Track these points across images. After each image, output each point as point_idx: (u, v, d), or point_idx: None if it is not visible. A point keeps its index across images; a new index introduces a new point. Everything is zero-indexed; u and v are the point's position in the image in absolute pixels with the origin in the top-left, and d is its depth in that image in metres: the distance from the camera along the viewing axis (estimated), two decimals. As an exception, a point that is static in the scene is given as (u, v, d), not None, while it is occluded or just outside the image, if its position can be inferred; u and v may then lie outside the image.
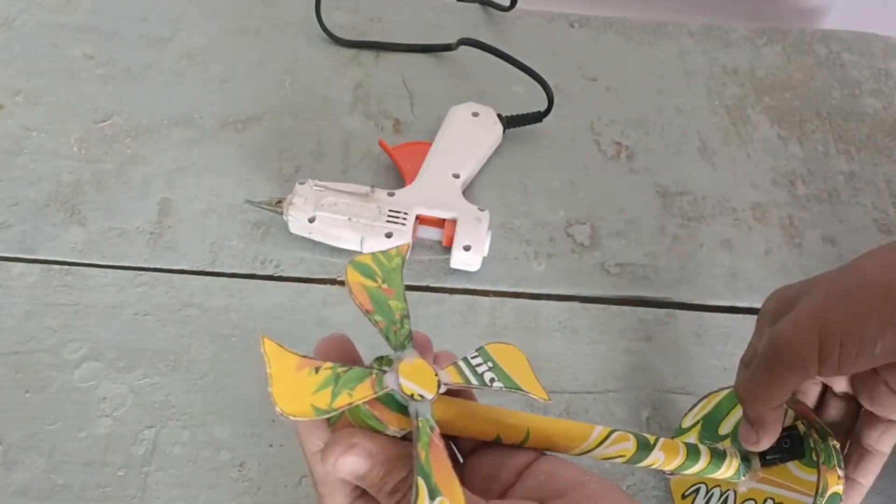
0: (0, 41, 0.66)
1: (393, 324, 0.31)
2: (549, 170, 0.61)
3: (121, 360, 0.50)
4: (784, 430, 0.41)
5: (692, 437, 0.45)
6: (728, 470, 0.40)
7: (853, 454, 0.43)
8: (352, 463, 0.29)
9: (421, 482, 0.28)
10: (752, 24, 0.73)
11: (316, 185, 0.54)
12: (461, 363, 0.32)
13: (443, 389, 0.31)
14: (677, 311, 0.55)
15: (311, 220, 0.53)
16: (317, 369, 0.28)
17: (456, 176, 0.57)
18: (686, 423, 0.46)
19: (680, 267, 0.57)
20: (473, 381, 0.32)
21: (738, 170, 0.62)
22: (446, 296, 0.54)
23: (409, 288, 0.54)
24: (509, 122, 0.61)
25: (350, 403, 0.28)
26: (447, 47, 0.67)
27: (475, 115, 0.60)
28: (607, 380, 0.51)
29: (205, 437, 0.48)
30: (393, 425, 0.30)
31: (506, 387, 0.32)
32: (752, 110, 0.67)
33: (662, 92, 0.67)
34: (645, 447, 0.37)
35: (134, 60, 0.66)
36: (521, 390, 0.33)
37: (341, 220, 0.53)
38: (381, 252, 0.32)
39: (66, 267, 0.54)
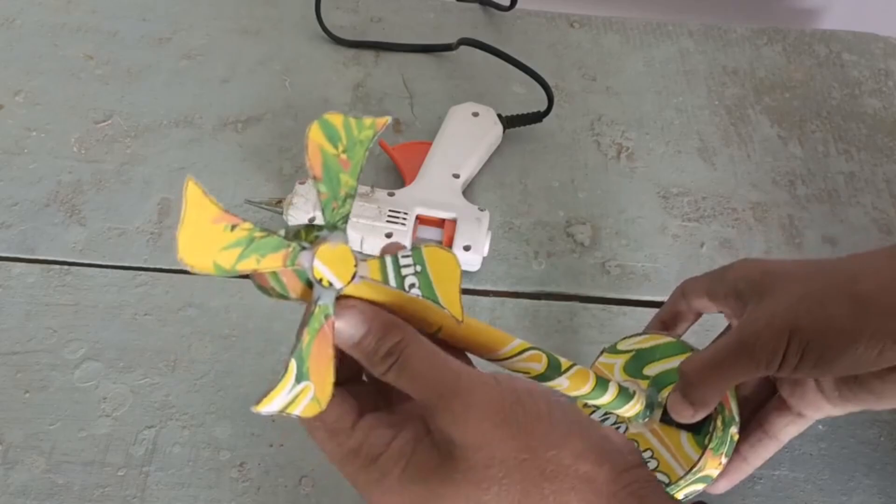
0: (0, 41, 0.66)
1: (335, 199, 0.30)
2: (549, 170, 0.61)
3: (121, 360, 0.50)
4: None
5: (619, 362, 0.44)
6: (629, 410, 0.40)
7: (752, 435, 0.43)
8: (348, 326, 0.30)
9: (293, 364, 0.28)
10: (752, 24, 0.73)
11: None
12: (388, 260, 0.31)
13: (356, 281, 0.30)
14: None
15: (312, 220, 0.53)
16: (233, 227, 0.27)
17: (456, 176, 0.57)
18: (621, 347, 0.45)
19: (680, 267, 0.57)
20: (392, 281, 0.31)
21: (738, 170, 0.62)
22: (446, 296, 0.54)
23: (409, 288, 0.54)
24: (509, 122, 0.61)
25: (255, 270, 0.27)
26: (447, 47, 0.67)
27: (475, 115, 0.60)
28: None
29: (205, 437, 0.47)
30: (296, 294, 0.29)
31: (423, 295, 0.31)
32: (752, 110, 0.67)
33: (662, 92, 0.67)
34: (555, 370, 0.37)
35: (134, 60, 0.66)
36: (438, 303, 0.31)
37: (341, 220, 0.53)
38: (356, 119, 0.29)
39: (66, 267, 0.54)
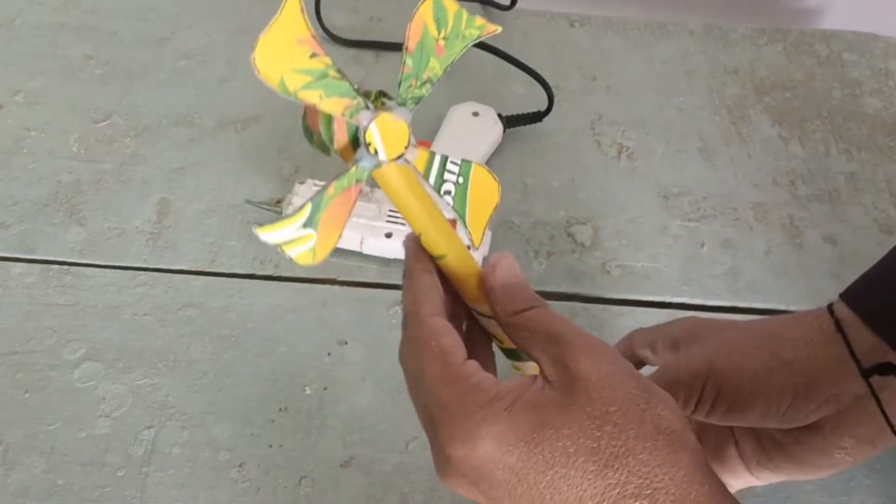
0: (0, 41, 0.66)
1: (416, 77, 0.29)
2: (549, 170, 0.61)
3: (120, 360, 0.50)
4: None
5: None
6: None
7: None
8: (507, 268, 0.32)
9: (308, 207, 0.28)
10: (753, 24, 0.73)
11: (316, 185, 0.54)
12: (438, 158, 0.31)
13: (400, 162, 0.29)
14: (677, 311, 0.54)
15: (311, 220, 0.53)
16: (314, 55, 0.27)
17: (456, 176, 0.57)
18: None
19: (680, 267, 0.57)
20: (432, 179, 0.30)
21: (738, 170, 0.62)
22: (446, 296, 0.54)
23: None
24: (509, 122, 0.61)
25: (313, 105, 0.27)
26: (447, 47, 0.67)
27: (475, 114, 0.60)
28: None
29: (204, 438, 0.47)
30: (338, 147, 0.29)
31: (454, 206, 0.31)
32: (753, 110, 0.66)
33: (662, 92, 0.67)
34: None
35: (134, 60, 0.66)
36: (463, 221, 0.31)
37: (341, 220, 0.53)
38: (469, 14, 0.30)
39: (66, 267, 0.54)
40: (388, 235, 0.53)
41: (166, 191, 0.58)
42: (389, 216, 0.53)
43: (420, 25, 0.29)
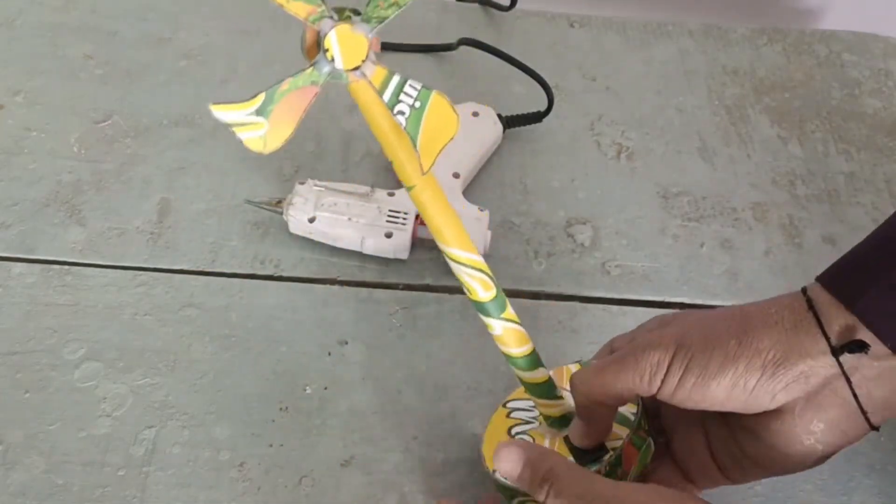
0: (0, 41, 0.66)
1: (385, 0, 0.31)
2: (549, 170, 0.61)
3: (120, 360, 0.50)
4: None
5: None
6: (548, 408, 0.41)
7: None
8: (508, 463, 0.37)
9: (262, 96, 0.31)
10: (752, 24, 0.73)
11: (316, 185, 0.54)
12: (396, 78, 0.32)
13: (356, 75, 0.31)
14: (678, 312, 0.54)
15: (311, 221, 0.53)
16: None
17: (456, 176, 0.57)
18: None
19: (680, 267, 0.57)
20: (386, 98, 0.32)
21: (738, 170, 0.62)
22: (446, 295, 0.54)
23: (409, 287, 0.54)
24: (509, 122, 0.61)
25: (281, 5, 0.30)
26: (447, 47, 0.67)
27: (475, 115, 0.60)
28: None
29: (205, 437, 0.47)
30: (306, 47, 0.31)
31: (405, 128, 0.33)
32: (752, 110, 0.67)
33: (662, 92, 0.67)
34: (496, 307, 0.38)
35: (134, 60, 0.66)
36: (414, 142, 0.33)
37: (341, 220, 0.53)
38: None
39: (66, 267, 0.54)
40: (388, 235, 0.53)
41: (166, 191, 0.58)
42: (389, 216, 0.53)
43: None
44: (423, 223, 0.55)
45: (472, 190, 0.59)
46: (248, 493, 0.46)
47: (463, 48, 0.67)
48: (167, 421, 0.48)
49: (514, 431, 0.44)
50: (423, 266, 0.55)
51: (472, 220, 0.54)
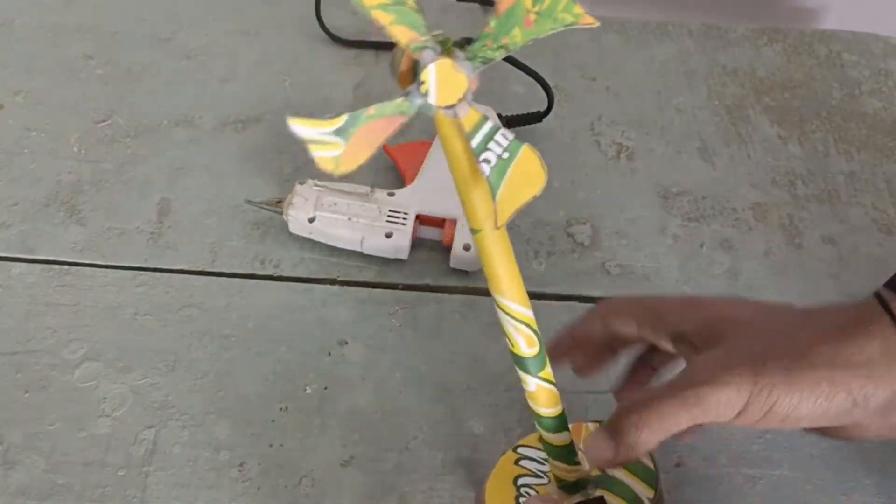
0: (0, 41, 0.66)
1: (493, 39, 0.29)
2: (549, 170, 0.61)
3: (121, 360, 0.50)
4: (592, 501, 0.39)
5: None
6: (566, 472, 0.39)
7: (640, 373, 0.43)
8: None
9: (345, 117, 0.30)
10: (752, 24, 0.73)
11: (316, 185, 0.54)
12: (489, 125, 0.30)
13: (449, 113, 0.30)
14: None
15: (311, 220, 0.53)
16: None
17: (456, 176, 0.57)
18: None
19: (680, 267, 0.57)
20: (475, 143, 0.31)
21: (738, 170, 0.62)
22: (446, 295, 0.54)
23: (409, 287, 0.54)
24: (509, 122, 0.61)
25: (384, 28, 0.28)
26: (447, 47, 0.67)
27: (475, 115, 0.60)
28: (607, 380, 0.51)
29: (205, 437, 0.48)
30: (401, 72, 0.29)
31: (489, 177, 0.31)
32: (752, 110, 0.67)
33: (662, 92, 0.67)
34: (535, 365, 0.36)
35: (134, 60, 0.66)
36: (494, 192, 0.31)
37: (341, 220, 0.53)
38: (571, 0, 0.30)
39: (66, 267, 0.54)
40: (388, 235, 0.53)
41: (167, 191, 0.58)
42: (389, 216, 0.53)
43: None
44: (423, 223, 0.55)
45: (472, 190, 0.59)
46: (248, 493, 0.46)
47: (463, 48, 0.66)
48: (167, 421, 0.48)
49: (520, 483, 0.42)
50: (423, 266, 0.55)
51: (472, 220, 0.54)
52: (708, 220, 0.59)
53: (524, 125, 0.62)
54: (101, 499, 0.45)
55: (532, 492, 0.41)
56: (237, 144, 0.61)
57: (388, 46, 0.68)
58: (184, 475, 0.46)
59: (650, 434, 0.34)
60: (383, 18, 0.28)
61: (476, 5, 0.72)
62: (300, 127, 0.29)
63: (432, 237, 0.56)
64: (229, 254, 0.55)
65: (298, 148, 0.63)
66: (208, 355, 0.51)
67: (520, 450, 0.43)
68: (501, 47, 0.29)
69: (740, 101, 0.67)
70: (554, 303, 0.54)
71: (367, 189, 0.55)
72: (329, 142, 0.30)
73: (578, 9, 0.29)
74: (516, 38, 0.29)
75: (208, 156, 0.60)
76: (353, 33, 0.69)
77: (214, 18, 0.69)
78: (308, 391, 0.50)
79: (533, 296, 0.54)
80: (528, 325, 0.36)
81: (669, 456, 0.47)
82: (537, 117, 0.62)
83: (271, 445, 0.48)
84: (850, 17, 0.78)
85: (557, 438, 0.39)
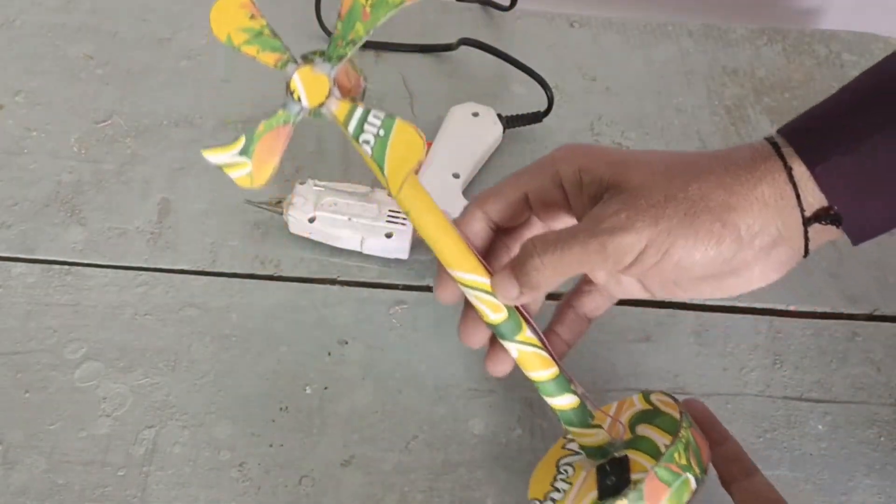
0: (0, 41, 0.66)
1: (342, 39, 0.33)
2: (549, 170, 0.61)
3: (121, 360, 0.50)
4: (616, 460, 0.39)
5: (637, 408, 0.43)
6: (584, 437, 0.40)
7: (565, 315, 0.44)
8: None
9: (243, 138, 0.35)
10: (752, 24, 0.73)
11: (316, 185, 0.54)
12: (359, 110, 0.34)
13: (323, 109, 0.34)
14: (677, 311, 0.55)
15: (311, 221, 0.53)
16: (252, 16, 0.34)
17: (456, 176, 0.57)
18: (652, 398, 0.43)
19: (680, 267, 0.57)
20: (351, 129, 0.34)
21: (738, 170, 0.62)
22: (446, 296, 0.54)
23: (409, 288, 0.54)
24: (509, 122, 0.61)
25: (253, 57, 0.34)
26: (447, 47, 0.67)
27: (475, 115, 0.60)
28: (607, 379, 0.51)
29: (205, 437, 0.48)
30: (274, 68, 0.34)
31: (372, 156, 0.34)
32: (752, 110, 0.67)
33: (662, 92, 0.67)
34: (510, 330, 0.38)
35: (134, 60, 0.66)
36: (382, 169, 0.35)
37: (341, 220, 0.53)
38: None
39: (66, 267, 0.54)
40: (388, 235, 0.53)
41: (167, 191, 0.58)
42: (389, 216, 0.53)
43: None
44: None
45: (472, 190, 0.59)
46: (248, 493, 0.46)
47: (463, 48, 0.67)
48: (167, 421, 0.48)
49: (560, 463, 0.43)
50: (423, 266, 0.55)
51: (472, 220, 0.54)
52: (708, 220, 0.59)
53: (524, 125, 0.62)
54: (101, 499, 0.45)
55: (570, 469, 0.41)
56: (237, 144, 0.61)
57: (388, 47, 0.68)
58: (184, 475, 0.46)
59: (552, 275, 0.36)
60: (251, 50, 0.34)
61: (476, 5, 0.72)
62: (212, 155, 0.35)
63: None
64: (229, 254, 0.55)
65: (299, 148, 0.64)
66: (208, 355, 0.51)
67: (569, 436, 0.44)
68: (350, 43, 0.33)
69: (740, 101, 0.67)
70: (554, 303, 0.54)
71: (367, 189, 0.55)
72: (238, 162, 0.36)
73: None
74: (359, 31, 0.33)
75: (208, 156, 0.60)
76: (353, 33, 0.69)
77: (214, 18, 0.69)
78: (308, 391, 0.50)
79: (533, 296, 0.55)
80: (485, 292, 0.38)
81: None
82: (537, 117, 0.62)
83: (271, 445, 0.48)
84: (850, 17, 0.78)
85: (560, 402, 0.40)
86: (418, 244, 0.55)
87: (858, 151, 0.34)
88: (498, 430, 0.49)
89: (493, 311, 0.38)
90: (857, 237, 0.36)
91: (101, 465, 0.46)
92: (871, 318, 0.55)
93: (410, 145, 0.34)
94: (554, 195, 0.39)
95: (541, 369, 0.39)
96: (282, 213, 0.54)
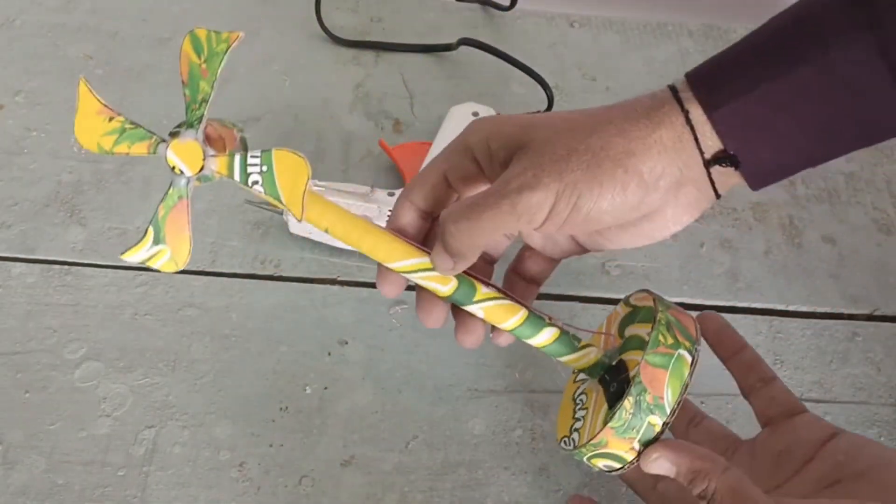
0: (0, 41, 0.66)
1: (194, 102, 0.35)
2: (549, 170, 0.61)
3: (121, 360, 0.50)
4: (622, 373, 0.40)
5: (621, 315, 0.43)
6: (576, 361, 0.41)
7: (515, 284, 0.44)
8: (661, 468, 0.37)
9: (150, 230, 0.36)
10: (752, 24, 0.73)
11: (316, 186, 0.54)
12: (237, 157, 0.35)
13: (206, 171, 0.35)
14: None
15: (311, 220, 0.53)
16: (111, 118, 0.35)
17: (456, 176, 0.57)
18: (631, 300, 0.43)
19: (680, 267, 0.57)
20: (237, 177, 0.35)
21: (738, 170, 0.62)
22: (446, 296, 0.54)
23: (409, 287, 0.54)
24: (509, 122, 0.61)
25: (127, 154, 0.35)
26: (447, 47, 0.67)
27: (475, 115, 0.60)
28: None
29: (205, 437, 0.48)
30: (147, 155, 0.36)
31: (266, 192, 0.35)
32: (752, 110, 0.66)
33: (662, 92, 0.67)
34: (465, 295, 0.39)
35: (134, 60, 0.66)
36: (280, 201, 0.35)
37: (341, 220, 0.53)
38: (216, 33, 0.35)
39: (66, 267, 0.54)
40: (389, 235, 0.53)
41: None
42: (389, 216, 0.53)
43: (186, 59, 0.34)
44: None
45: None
46: (248, 493, 0.46)
47: (463, 48, 0.67)
48: (167, 421, 0.48)
49: (576, 395, 0.43)
50: (423, 266, 0.55)
51: (472, 220, 0.54)
52: (708, 220, 0.59)
53: (524, 125, 0.62)
54: (101, 499, 0.45)
55: (584, 397, 0.42)
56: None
57: (388, 47, 0.68)
58: (184, 475, 0.46)
59: (469, 240, 0.37)
60: (122, 149, 0.35)
61: (476, 5, 0.72)
62: (131, 256, 0.36)
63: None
64: (229, 254, 0.55)
65: (299, 148, 0.63)
66: (208, 355, 0.51)
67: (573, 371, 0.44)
68: (202, 102, 0.35)
69: (740, 101, 0.67)
70: (554, 303, 0.54)
71: (367, 189, 0.55)
72: (157, 252, 0.36)
73: (224, 34, 0.34)
74: (205, 89, 0.34)
75: (208, 156, 0.60)
76: (353, 33, 0.69)
77: (214, 19, 0.69)
78: (308, 391, 0.50)
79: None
80: (427, 270, 0.39)
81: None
82: (537, 117, 0.62)
83: (271, 445, 0.48)
84: (850, 17, 0.78)
85: (540, 339, 0.40)
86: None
87: (749, 97, 0.35)
88: (498, 430, 0.49)
89: (443, 283, 0.39)
90: (755, 182, 0.38)
91: (101, 465, 0.46)
92: (871, 318, 0.55)
93: (294, 168, 0.35)
94: (469, 169, 0.40)
95: (511, 316, 0.40)
96: (282, 213, 0.54)
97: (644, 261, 0.57)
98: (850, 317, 0.55)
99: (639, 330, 0.40)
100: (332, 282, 0.54)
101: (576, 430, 0.41)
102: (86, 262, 0.54)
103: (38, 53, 0.65)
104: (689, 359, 0.39)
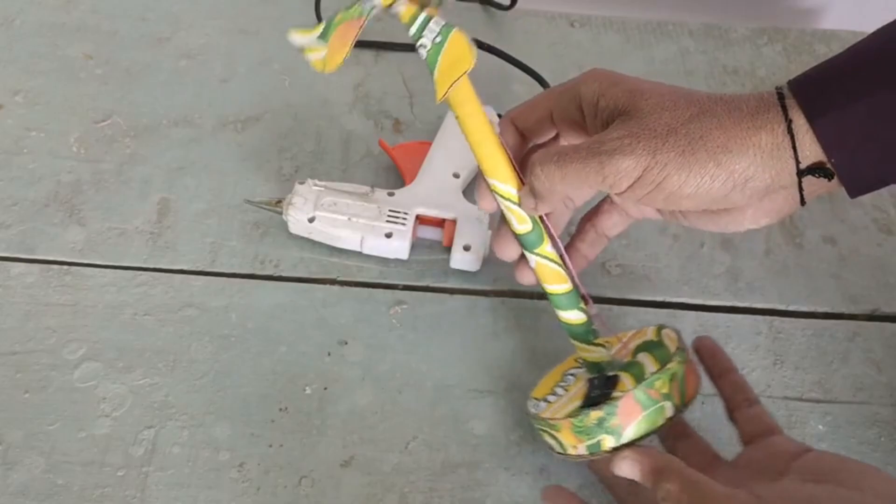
0: (0, 41, 0.66)
1: None
2: (549, 170, 0.61)
3: (120, 360, 0.50)
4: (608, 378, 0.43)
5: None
6: (572, 315, 0.44)
7: (586, 234, 0.46)
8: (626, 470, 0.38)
9: (323, 23, 0.38)
10: (753, 24, 0.73)
11: (316, 185, 0.54)
12: (423, 16, 0.38)
13: (394, 9, 0.38)
14: (677, 311, 0.55)
15: (311, 220, 0.53)
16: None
17: (456, 176, 0.57)
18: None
19: (680, 267, 0.57)
20: (413, 30, 0.38)
21: (738, 170, 0.62)
22: (446, 296, 0.54)
23: (409, 288, 0.54)
24: (509, 122, 0.61)
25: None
26: (447, 47, 0.67)
27: (475, 114, 0.60)
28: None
29: (204, 437, 0.47)
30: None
31: (425, 58, 0.38)
32: (753, 110, 0.66)
33: (662, 92, 0.67)
34: (533, 242, 0.42)
35: (134, 60, 0.66)
36: (432, 72, 0.38)
37: (341, 220, 0.53)
38: None
39: (66, 267, 0.54)
40: (388, 235, 0.53)
41: (166, 191, 0.58)
42: (389, 216, 0.53)
43: None
44: (423, 223, 0.55)
45: (473, 190, 0.59)
46: (248, 493, 0.46)
47: (463, 48, 0.66)
48: (167, 421, 0.48)
49: (567, 373, 0.46)
50: (423, 266, 0.55)
51: (472, 220, 0.54)
52: (708, 220, 0.59)
53: (524, 125, 0.62)
54: (100, 499, 0.45)
55: (572, 378, 0.45)
56: (237, 144, 0.61)
57: (388, 46, 0.68)
58: (184, 475, 0.46)
59: (551, 185, 0.39)
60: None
61: (476, 5, 0.72)
62: (297, 37, 0.38)
63: (432, 237, 0.56)
64: (229, 254, 0.55)
65: (298, 148, 0.64)
66: (208, 355, 0.51)
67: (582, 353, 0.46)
68: None
69: (740, 101, 0.67)
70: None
71: (367, 189, 0.55)
72: (316, 46, 0.38)
73: None
74: None
75: (208, 156, 0.60)
76: (352, 33, 0.68)
77: (214, 18, 0.69)
78: (308, 391, 0.50)
79: (533, 296, 0.55)
80: (514, 202, 0.41)
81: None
82: (537, 117, 0.62)
83: (271, 445, 0.47)
84: (850, 17, 0.78)
85: (568, 316, 0.44)
86: (418, 244, 0.55)
87: (856, 108, 0.35)
88: (498, 430, 0.49)
89: (520, 222, 0.41)
90: (854, 190, 0.37)
91: (100, 466, 0.46)
92: (871, 318, 0.55)
93: (461, 55, 0.38)
94: (574, 115, 0.42)
95: (555, 283, 0.43)
96: (281, 213, 0.54)
97: (644, 261, 0.57)
98: (851, 317, 0.55)
99: (647, 362, 0.42)
100: (332, 282, 0.54)
101: (547, 400, 0.44)
102: (85, 262, 0.54)
103: (38, 53, 0.65)
104: (671, 414, 0.40)
